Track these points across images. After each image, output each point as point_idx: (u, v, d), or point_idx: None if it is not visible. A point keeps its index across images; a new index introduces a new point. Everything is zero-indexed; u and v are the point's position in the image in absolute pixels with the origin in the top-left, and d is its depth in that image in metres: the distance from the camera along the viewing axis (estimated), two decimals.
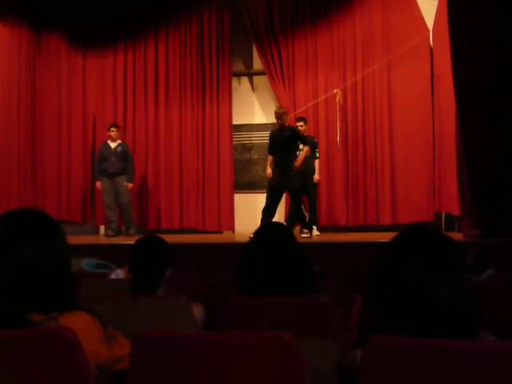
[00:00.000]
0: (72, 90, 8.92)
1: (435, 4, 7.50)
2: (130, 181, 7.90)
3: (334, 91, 8.13)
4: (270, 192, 7.07)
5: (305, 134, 7.46)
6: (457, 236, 5.58)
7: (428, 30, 7.86)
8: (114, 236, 7.71)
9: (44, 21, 8.68)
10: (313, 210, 7.40)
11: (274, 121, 8.68)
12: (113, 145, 7.96)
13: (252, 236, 2.46)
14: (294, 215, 7.39)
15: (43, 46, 8.82)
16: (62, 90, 8.90)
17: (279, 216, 8.06)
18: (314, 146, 7.42)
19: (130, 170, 7.93)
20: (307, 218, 7.16)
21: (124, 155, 7.92)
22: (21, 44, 8.41)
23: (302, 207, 7.16)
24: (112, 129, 8.01)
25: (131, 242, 2.71)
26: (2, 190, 7.72)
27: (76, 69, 8.92)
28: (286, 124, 6.98)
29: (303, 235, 6.92)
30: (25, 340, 1.42)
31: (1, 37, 8.03)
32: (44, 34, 8.79)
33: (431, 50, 7.87)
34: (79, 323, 1.47)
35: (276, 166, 6.96)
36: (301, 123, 7.51)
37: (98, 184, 7.94)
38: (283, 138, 6.86)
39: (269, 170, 7.17)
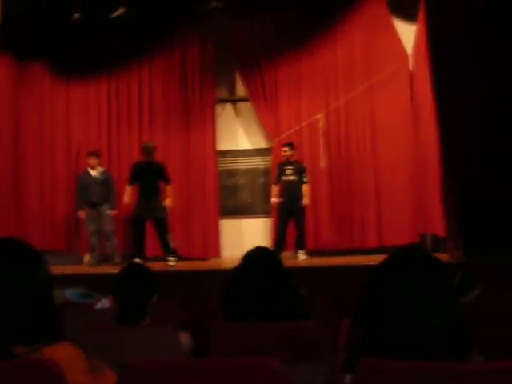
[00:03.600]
0: (55, 118, 8.89)
1: (414, 30, 7.65)
2: (112, 208, 7.84)
3: (317, 116, 8.21)
4: None
5: (292, 159, 7.52)
6: (442, 257, 5.60)
7: (407, 55, 8.00)
8: (97, 265, 7.62)
9: (27, 50, 8.67)
10: (300, 234, 7.41)
11: (260, 146, 8.79)
12: (93, 173, 7.90)
13: (239, 262, 2.45)
14: (281, 238, 7.41)
15: (26, 75, 8.79)
16: (45, 119, 8.86)
17: (265, 241, 8.05)
18: (302, 172, 7.46)
19: (112, 197, 7.87)
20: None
21: (106, 182, 7.87)
22: (3, 73, 8.39)
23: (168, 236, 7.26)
24: (90, 157, 7.95)
25: (116, 270, 2.68)
26: None
27: (59, 98, 8.90)
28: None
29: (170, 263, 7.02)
30: (7, 371, 1.39)
31: None
32: (27, 64, 8.78)
33: (411, 74, 8.00)
34: (63, 354, 1.43)
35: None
36: (285, 148, 7.57)
37: (81, 213, 7.86)
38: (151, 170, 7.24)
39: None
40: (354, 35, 8.29)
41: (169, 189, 7.30)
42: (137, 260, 6.83)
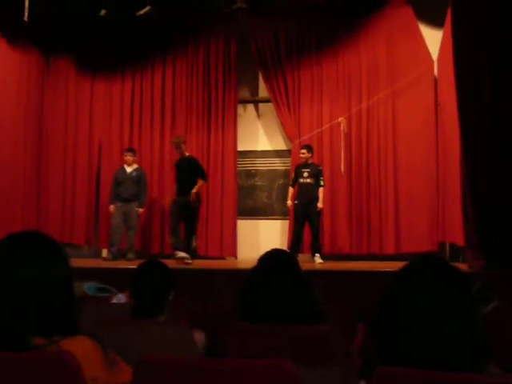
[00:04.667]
0: (79, 114, 9.00)
1: (440, 34, 7.58)
2: (141, 206, 7.94)
3: (339, 119, 8.18)
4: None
5: (309, 162, 7.50)
6: (461, 266, 5.53)
7: (432, 60, 7.93)
8: (113, 260, 7.69)
9: (53, 45, 8.80)
10: (316, 237, 7.39)
11: (280, 148, 8.79)
12: (128, 169, 8.02)
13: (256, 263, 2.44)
14: (296, 240, 7.40)
15: (52, 70, 8.92)
16: (69, 114, 8.98)
17: (282, 243, 8.05)
18: (318, 174, 7.44)
19: (142, 194, 7.97)
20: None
21: (139, 180, 7.96)
22: (30, 68, 8.51)
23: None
24: (126, 153, 8.07)
25: (132, 266, 2.70)
26: (5, 213, 7.72)
27: (84, 94, 9.01)
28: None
29: None
30: (25, 363, 1.41)
31: (10, 61, 8.13)
32: (53, 59, 8.90)
33: (435, 80, 7.93)
34: (80, 348, 1.45)
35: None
36: (303, 151, 7.55)
37: (112, 208, 7.96)
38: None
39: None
40: (378, 39, 8.24)
41: (199, 182, 7.30)
42: (179, 254, 6.95)
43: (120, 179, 7.96)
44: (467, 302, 1.37)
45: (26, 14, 7.14)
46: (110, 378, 1.49)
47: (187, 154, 7.62)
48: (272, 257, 2.38)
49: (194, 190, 7.14)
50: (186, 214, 7.26)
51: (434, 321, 1.33)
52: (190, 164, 7.40)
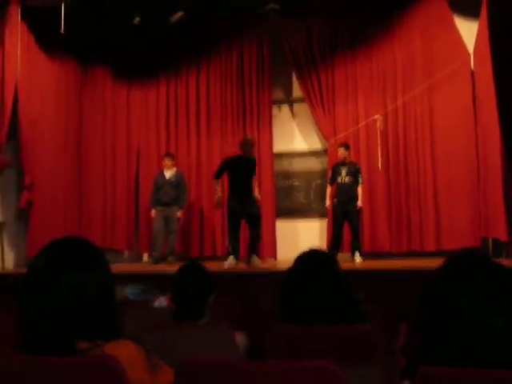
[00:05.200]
0: (116, 121, 9.15)
1: (475, 27, 7.42)
2: (180, 209, 8.04)
3: (375, 117, 8.09)
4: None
5: (347, 160, 7.44)
6: (504, 262, 5.40)
7: (468, 54, 7.77)
8: (154, 263, 7.79)
9: (90, 55, 8.97)
10: (356, 236, 7.33)
11: (316, 148, 8.75)
12: (167, 174, 8.13)
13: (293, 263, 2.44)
14: (336, 240, 7.35)
15: (89, 79, 9.09)
16: (107, 122, 9.14)
17: (321, 242, 8.02)
18: (357, 173, 7.38)
19: (182, 198, 8.07)
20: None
21: (178, 184, 8.06)
22: (68, 78, 8.70)
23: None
24: (165, 158, 8.19)
25: (173, 269, 2.72)
26: (48, 221, 7.90)
27: (120, 101, 9.17)
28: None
29: None
30: (70, 367, 1.44)
31: (49, 72, 8.32)
32: (90, 68, 9.08)
33: (472, 72, 7.77)
34: (124, 351, 1.47)
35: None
36: (341, 149, 7.49)
37: (153, 212, 8.08)
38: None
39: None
40: (412, 34, 8.13)
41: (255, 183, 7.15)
42: (230, 260, 6.79)
43: (159, 184, 8.07)
44: (510, 297, 1.34)
45: (63, 25, 7.31)
46: (152, 381, 1.51)
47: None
48: (308, 256, 2.37)
49: (258, 195, 7.03)
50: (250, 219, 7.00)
51: (476, 318, 1.31)
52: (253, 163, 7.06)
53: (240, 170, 6.88)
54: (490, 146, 6.94)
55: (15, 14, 7.41)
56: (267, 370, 1.45)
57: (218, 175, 7.07)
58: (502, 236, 6.48)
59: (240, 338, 2.34)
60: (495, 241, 7.30)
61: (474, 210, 7.60)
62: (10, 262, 8.14)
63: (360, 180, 7.38)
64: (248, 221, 7.00)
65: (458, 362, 1.29)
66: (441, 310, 1.37)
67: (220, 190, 7.13)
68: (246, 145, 6.96)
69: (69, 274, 1.54)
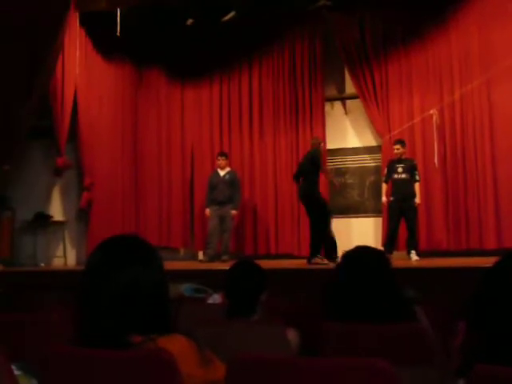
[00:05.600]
0: (171, 121, 9.32)
1: None
2: (234, 208, 8.10)
3: (431, 111, 7.91)
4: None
5: (403, 157, 7.31)
6: None
7: None
8: (209, 261, 7.88)
9: (145, 57, 9.18)
10: (413, 234, 7.19)
11: (369, 144, 8.64)
12: (221, 173, 8.22)
13: (339, 260, 2.42)
14: (392, 238, 7.23)
15: (144, 80, 9.30)
16: (162, 122, 9.32)
17: (375, 240, 7.91)
18: (413, 169, 7.25)
19: (236, 197, 8.13)
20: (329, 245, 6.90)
21: (232, 182, 8.13)
22: (124, 81, 8.93)
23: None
24: (219, 157, 8.28)
25: (227, 267, 2.76)
26: (106, 221, 8.14)
27: (174, 101, 9.32)
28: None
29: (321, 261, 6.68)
30: (124, 360, 1.48)
31: (107, 75, 8.58)
32: (145, 70, 9.28)
33: None
34: (177, 346, 1.50)
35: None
36: (397, 146, 7.37)
37: (208, 211, 8.18)
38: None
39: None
40: (468, 26, 7.90)
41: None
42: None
43: (214, 183, 8.16)
44: None
45: (119, 29, 7.51)
46: (205, 375, 1.53)
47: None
48: (355, 253, 2.34)
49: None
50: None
51: None
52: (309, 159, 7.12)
53: None
54: None
55: (74, 20, 7.67)
56: (320, 366, 1.45)
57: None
58: None
59: (292, 335, 2.34)
60: None
61: None
62: (71, 259, 8.44)
63: (417, 177, 7.24)
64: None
65: None
66: (497, 308, 1.34)
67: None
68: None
69: (123, 270, 1.58)
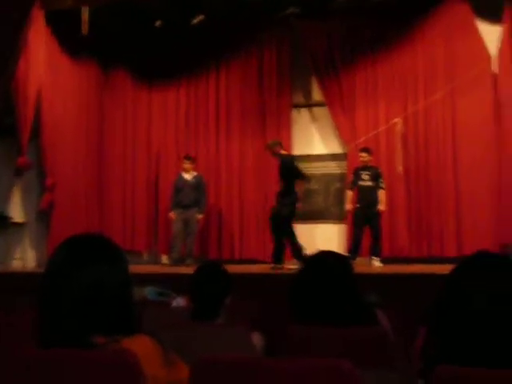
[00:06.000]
0: (137, 123, 9.23)
1: (498, 31, 7.36)
2: (201, 212, 8.06)
3: (395, 120, 8.04)
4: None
5: (369, 165, 7.42)
6: None
7: (490, 57, 7.70)
8: (173, 265, 7.82)
9: (111, 57, 9.08)
10: (376, 240, 7.29)
11: (335, 151, 8.72)
12: (187, 176, 8.17)
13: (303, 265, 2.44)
14: (356, 244, 7.31)
15: (110, 81, 9.20)
16: (128, 124, 9.23)
17: (339, 246, 7.98)
18: (378, 177, 7.36)
19: (202, 201, 8.09)
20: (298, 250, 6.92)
21: (198, 186, 8.09)
22: (90, 81, 8.81)
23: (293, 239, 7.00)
24: (184, 161, 8.23)
25: (191, 271, 2.74)
26: (69, 223, 7.98)
27: (141, 103, 9.24)
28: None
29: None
30: (87, 361, 1.45)
31: (72, 75, 8.44)
32: (111, 70, 9.18)
33: (495, 76, 7.69)
34: (141, 346, 1.49)
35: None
36: (363, 154, 7.47)
37: (172, 214, 8.12)
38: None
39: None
40: (434, 37, 8.07)
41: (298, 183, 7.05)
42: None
43: (179, 186, 8.11)
44: None
45: (85, 27, 7.40)
46: (168, 376, 1.52)
47: (283, 153, 7.30)
48: (319, 258, 2.36)
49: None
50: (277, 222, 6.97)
51: (493, 319, 1.30)
52: (283, 164, 7.10)
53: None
54: (511, 151, 6.87)
55: (39, 18, 7.53)
56: (284, 367, 1.45)
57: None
58: None
59: (257, 339, 2.35)
60: None
61: (496, 214, 7.52)
62: (31, 262, 8.25)
63: (381, 184, 7.35)
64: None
65: (472, 362, 1.29)
66: (455, 313, 1.37)
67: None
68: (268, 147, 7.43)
69: (87, 269, 1.56)
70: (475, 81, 7.69)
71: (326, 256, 2.39)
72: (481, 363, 1.29)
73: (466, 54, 7.83)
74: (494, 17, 7.57)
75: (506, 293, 1.34)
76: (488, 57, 7.71)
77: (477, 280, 1.39)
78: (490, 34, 7.64)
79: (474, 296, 1.36)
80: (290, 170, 7.04)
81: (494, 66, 7.68)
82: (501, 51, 7.38)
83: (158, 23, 8.34)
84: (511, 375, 1.23)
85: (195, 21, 8.23)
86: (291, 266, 6.71)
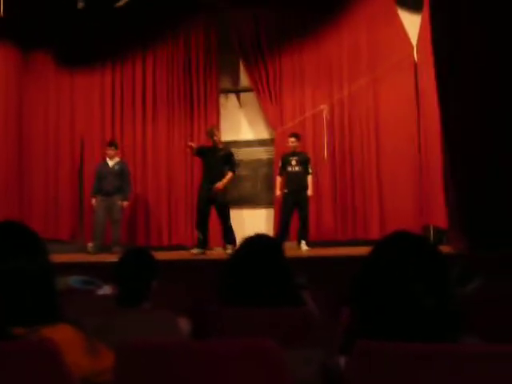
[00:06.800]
0: (60, 109, 8.93)
1: (419, 20, 7.61)
2: (125, 199, 7.90)
3: (321, 107, 8.19)
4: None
5: (297, 150, 7.52)
6: (445, 249, 5.60)
7: (412, 46, 7.97)
8: (96, 253, 7.66)
9: (31, 41, 8.70)
10: (304, 224, 7.43)
11: (263, 137, 8.78)
12: (110, 163, 7.98)
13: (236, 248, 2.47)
14: (284, 228, 7.42)
15: (31, 65, 8.83)
16: (50, 109, 8.90)
17: (267, 231, 8.07)
18: (306, 162, 7.47)
19: (125, 188, 7.93)
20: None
21: (121, 173, 7.92)
22: (8, 65, 8.43)
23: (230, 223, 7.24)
24: (108, 147, 8.03)
25: (116, 259, 2.70)
26: None
27: (63, 88, 8.94)
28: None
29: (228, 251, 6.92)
30: (5, 353, 1.41)
31: None
32: (31, 53, 8.80)
33: (415, 64, 7.97)
34: (61, 335, 1.46)
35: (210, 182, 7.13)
36: (292, 139, 7.56)
37: (94, 201, 7.93)
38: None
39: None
40: (358, 25, 8.26)
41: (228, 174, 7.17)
42: (194, 251, 6.98)
43: (102, 173, 7.92)
44: (439, 274, 1.41)
45: (2, 8, 7.05)
46: (91, 364, 1.50)
47: (221, 144, 7.39)
48: (252, 241, 2.40)
49: (221, 184, 7.04)
50: (219, 209, 7.22)
51: (409, 297, 1.37)
52: (225, 155, 7.22)
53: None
54: (431, 137, 7.16)
55: None
56: (207, 349, 1.47)
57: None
58: (443, 223, 6.71)
59: (183, 323, 2.34)
60: (436, 228, 7.55)
61: (417, 198, 7.84)
62: None
63: (309, 170, 7.48)
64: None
65: (391, 336, 1.35)
66: (375, 289, 1.43)
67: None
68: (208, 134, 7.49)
69: (6, 260, 1.50)
70: (397, 69, 7.94)
71: (259, 239, 2.43)
72: (398, 337, 1.35)
73: (388, 41, 8.05)
74: (415, 6, 7.81)
75: (418, 270, 1.40)
76: (410, 45, 7.97)
77: (394, 259, 1.45)
78: (412, 22, 7.88)
79: (390, 274, 1.42)
80: (231, 161, 7.20)
81: (416, 54, 7.95)
82: (420, 40, 7.64)
83: (80, 5, 8.04)
84: (424, 347, 1.29)
85: (120, 3, 8.01)
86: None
